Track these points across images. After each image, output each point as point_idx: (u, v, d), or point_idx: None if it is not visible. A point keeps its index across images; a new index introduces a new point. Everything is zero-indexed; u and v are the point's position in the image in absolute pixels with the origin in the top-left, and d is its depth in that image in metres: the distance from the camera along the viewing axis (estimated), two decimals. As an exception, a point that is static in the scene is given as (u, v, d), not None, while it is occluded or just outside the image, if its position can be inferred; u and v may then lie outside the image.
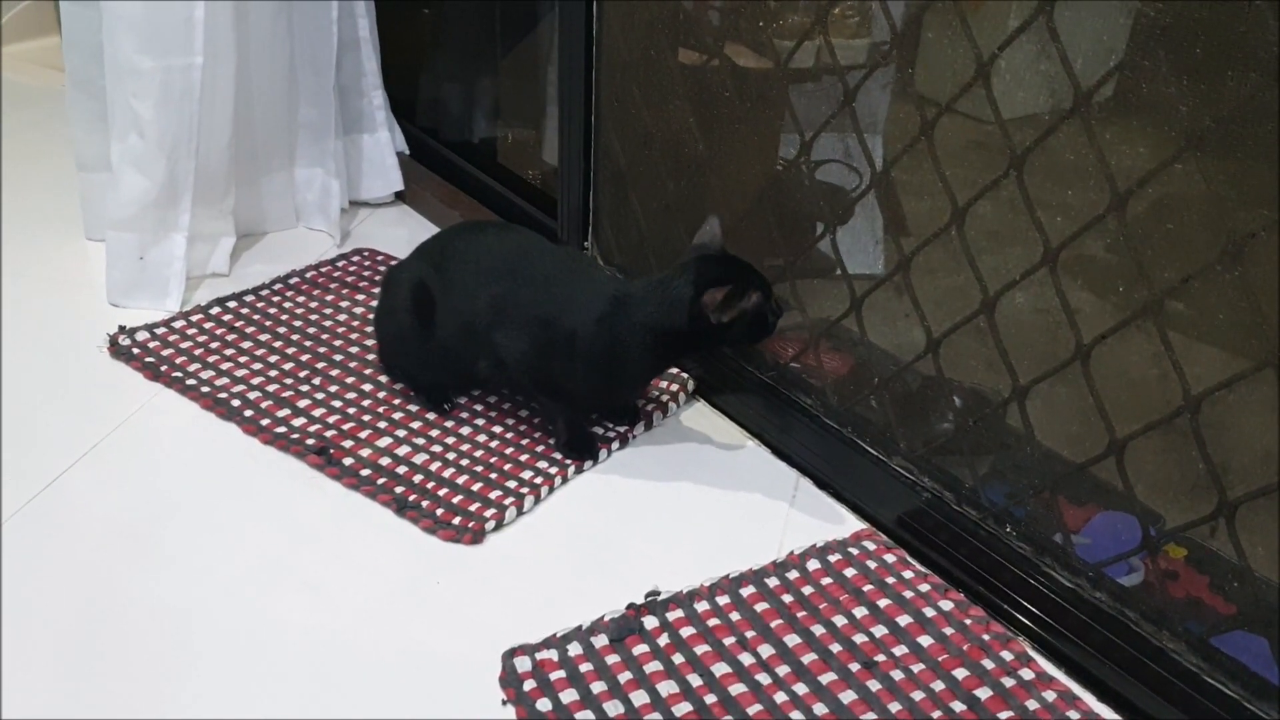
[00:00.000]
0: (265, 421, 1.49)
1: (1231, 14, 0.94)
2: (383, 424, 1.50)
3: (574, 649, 1.16)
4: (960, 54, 1.16)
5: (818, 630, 1.20)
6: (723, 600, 1.24)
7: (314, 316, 1.76)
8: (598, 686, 1.12)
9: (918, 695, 1.13)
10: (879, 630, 1.21)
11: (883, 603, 1.24)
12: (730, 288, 1.32)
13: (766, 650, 1.17)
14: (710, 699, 1.11)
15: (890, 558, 1.31)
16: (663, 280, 1.37)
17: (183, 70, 1.70)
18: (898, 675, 1.15)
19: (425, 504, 1.36)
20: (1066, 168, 1.11)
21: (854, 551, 1.32)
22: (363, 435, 1.47)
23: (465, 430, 1.51)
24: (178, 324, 1.71)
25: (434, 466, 1.43)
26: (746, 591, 1.25)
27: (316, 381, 1.59)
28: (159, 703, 1.09)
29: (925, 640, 1.20)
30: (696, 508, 1.41)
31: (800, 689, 1.13)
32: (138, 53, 1.68)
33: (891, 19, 1.25)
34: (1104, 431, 1.14)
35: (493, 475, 1.42)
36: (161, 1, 1.66)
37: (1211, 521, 1.05)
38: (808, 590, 1.26)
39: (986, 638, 1.20)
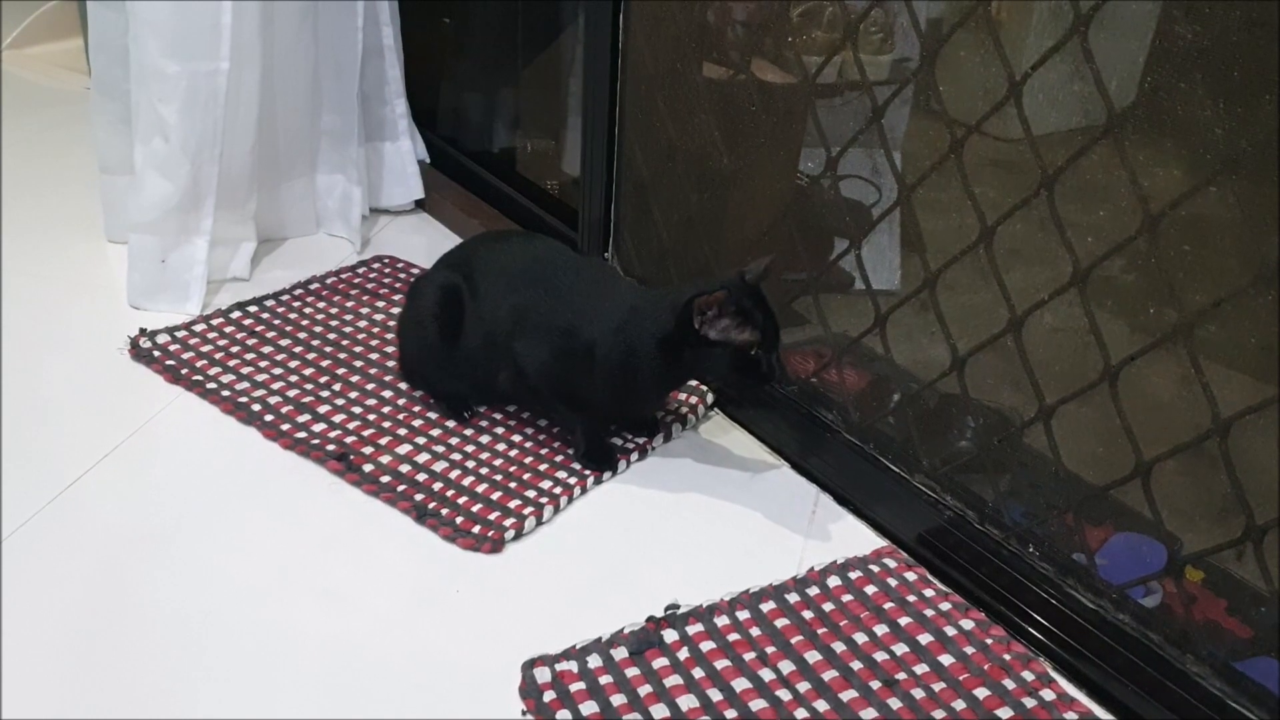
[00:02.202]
0: (285, 426, 1.49)
1: (1269, 38, 0.94)
2: (403, 431, 1.50)
3: (594, 661, 1.15)
4: (992, 72, 1.16)
5: (838, 647, 1.20)
6: (743, 615, 1.23)
7: (334, 322, 1.76)
8: (617, 699, 1.11)
9: (939, 714, 1.12)
10: (900, 648, 1.20)
11: (903, 620, 1.24)
12: (723, 292, 1.29)
13: (787, 666, 1.17)
14: (730, 714, 1.11)
15: (911, 575, 1.31)
16: (677, 290, 1.37)
17: (208, 75, 1.71)
18: (918, 693, 1.15)
19: (445, 512, 1.36)
20: (1097, 188, 1.11)
21: (875, 569, 1.31)
22: (383, 442, 1.47)
23: (485, 439, 1.50)
24: (198, 327, 1.71)
25: (454, 475, 1.43)
26: (767, 607, 1.25)
27: (337, 387, 1.59)
28: (175, 706, 1.09)
29: (946, 659, 1.19)
30: (715, 522, 1.40)
31: (821, 706, 1.12)
32: (164, 56, 1.69)
33: (921, 32, 1.25)
34: (1127, 454, 1.14)
35: (512, 485, 1.42)
36: (189, 2, 1.67)
37: (1239, 545, 1.05)
38: (828, 607, 1.25)
39: (1008, 657, 1.20)
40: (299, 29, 1.88)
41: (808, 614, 1.24)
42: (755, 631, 1.21)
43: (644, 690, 1.13)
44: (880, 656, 1.19)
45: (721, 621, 1.22)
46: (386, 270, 1.95)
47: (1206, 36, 0.98)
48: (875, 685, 1.15)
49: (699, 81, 1.58)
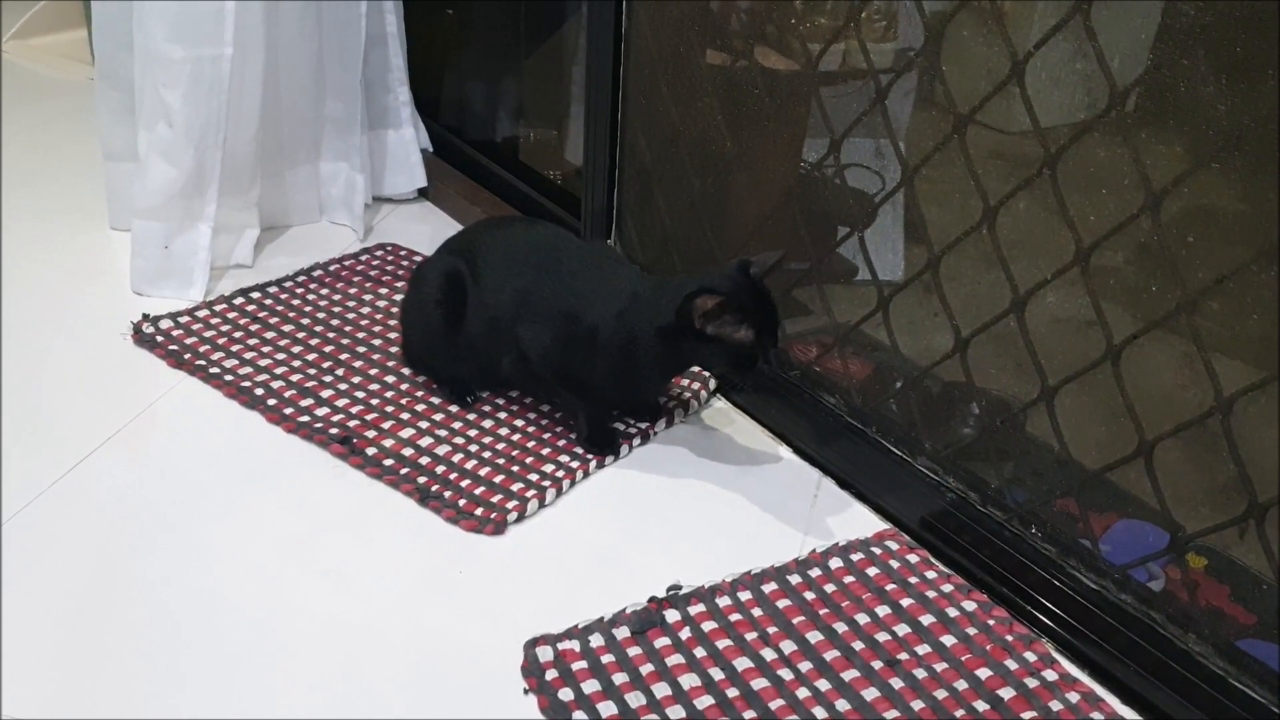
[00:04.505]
0: (289, 410, 1.49)
1: (1271, 12, 0.93)
2: (406, 415, 1.50)
3: (596, 640, 1.16)
4: (995, 53, 1.16)
5: (840, 627, 1.20)
6: (744, 596, 1.23)
7: (337, 309, 1.77)
8: (619, 678, 1.11)
9: (940, 694, 1.12)
10: (902, 629, 1.20)
11: (905, 602, 1.24)
12: (723, 298, 1.30)
13: (789, 646, 1.17)
14: (732, 692, 1.11)
15: (913, 558, 1.31)
16: (680, 280, 1.37)
17: (213, 60, 1.71)
18: (920, 673, 1.15)
19: (448, 494, 1.36)
20: (1099, 169, 1.11)
21: (877, 551, 1.32)
22: (386, 426, 1.48)
23: (488, 423, 1.51)
24: (201, 313, 1.72)
25: (456, 458, 1.43)
26: (769, 588, 1.25)
27: (340, 372, 1.59)
28: (179, 685, 1.09)
29: (948, 640, 1.19)
30: (717, 505, 1.40)
31: (823, 685, 1.12)
32: (168, 42, 1.69)
33: (926, 17, 1.25)
34: (1129, 436, 1.14)
35: (515, 468, 1.42)
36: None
37: (1242, 523, 1.04)
38: (830, 588, 1.25)
39: (1010, 639, 1.20)
40: (303, 15, 1.88)
41: (809, 595, 1.24)
42: (757, 612, 1.21)
43: (646, 669, 1.13)
44: (882, 637, 1.19)
45: (723, 602, 1.22)
46: (389, 258, 1.95)
47: (1209, 12, 0.98)
48: (877, 665, 1.15)
49: (702, 66, 1.58)
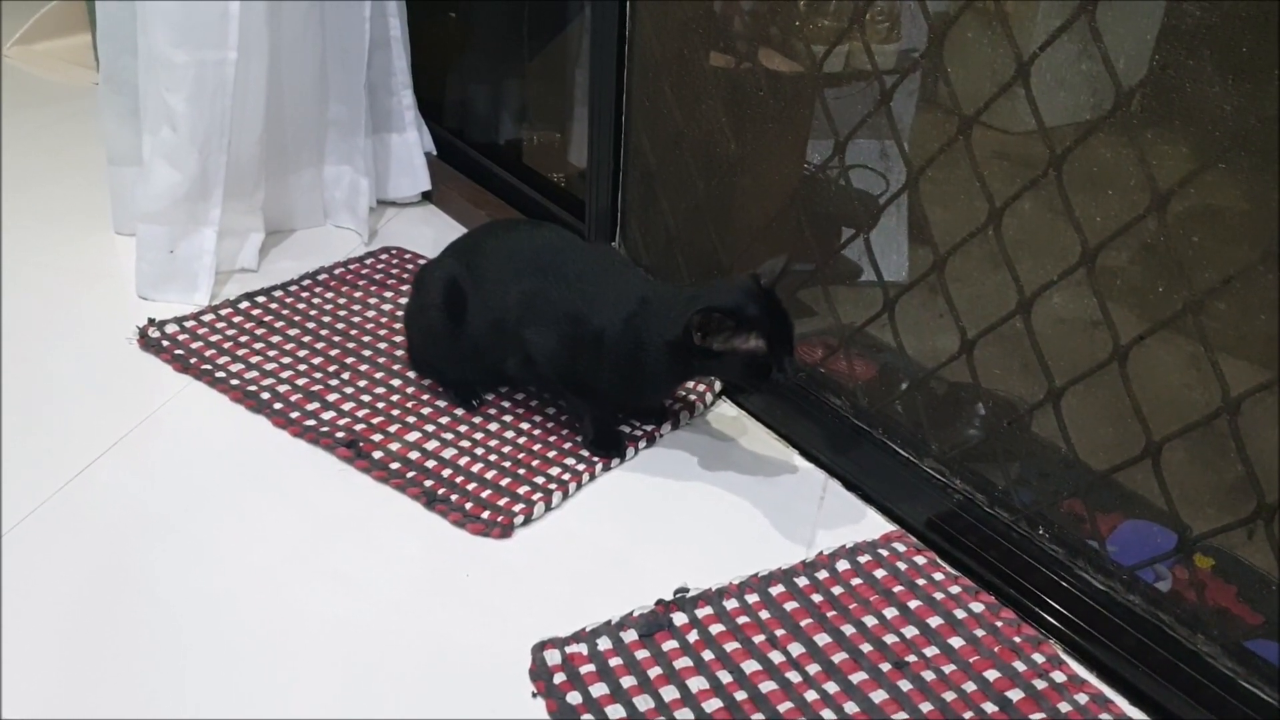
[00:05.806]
0: (295, 414, 1.49)
1: (1275, 11, 0.93)
2: (412, 419, 1.50)
3: (604, 643, 1.16)
4: (1000, 54, 1.16)
5: (848, 630, 1.20)
6: (752, 598, 1.23)
7: (342, 313, 1.77)
8: (628, 681, 1.11)
9: (949, 696, 1.12)
10: (910, 631, 1.20)
11: (913, 604, 1.24)
12: (709, 317, 1.29)
13: (796, 648, 1.17)
14: (740, 695, 1.11)
15: (920, 559, 1.31)
16: (690, 293, 1.36)
17: (216, 64, 1.71)
18: (929, 676, 1.15)
19: (454, 498, 1.36)
20: (1105, 170, 1.11)
21: (884, 553, 1.31)
22: (392, 429, 1.48)
23: (494, 426, 1.51)
24: (207, 317, 1.72)
25: (463, 461, 1.43)
26: (776, 590, 1.25)
27: (346, 376, 1.59)
28: (187, 688, 1.09)
29: (956, 641, 1.19)
30: (724, 507, 1.40)
31: (831, 687, 1.12)
32: (172, 46, 1.69)
33: (930, 18, 1.25)
34: (1136, 437, 1.13)
35: (521, 471, 1.42)
36: (196, -4, 1.68)
37: (1249, 523, 1.04)
38: (837, 590, 1.25)
39: (1018, 640, 1.20)
40: (306, 19, 1.88)
41: (817, 597, 1.24)
42: (764, 614, 1.21)
43: (654, 672, 1.13)
44: (890, 639, 1.19)
45: (731, 605, 1.22)
46: (394, 261, 1.95)
47: (1215, 12, 0.98)
48: (885, 668, 1.15)
49: (706, 68, 1.58)
